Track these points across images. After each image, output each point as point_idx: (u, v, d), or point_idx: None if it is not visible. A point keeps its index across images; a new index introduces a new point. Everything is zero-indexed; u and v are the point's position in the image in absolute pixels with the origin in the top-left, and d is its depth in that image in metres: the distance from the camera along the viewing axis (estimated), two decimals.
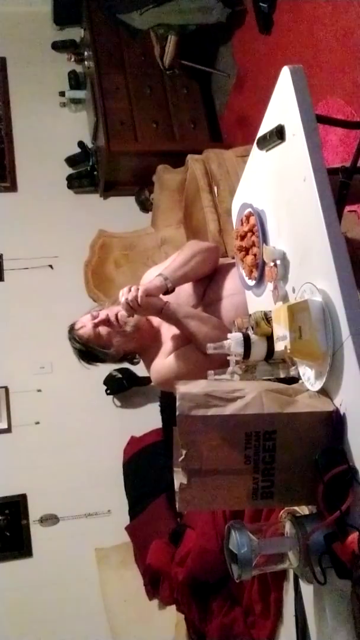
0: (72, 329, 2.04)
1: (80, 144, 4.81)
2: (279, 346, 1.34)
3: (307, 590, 1.35)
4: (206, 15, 4.11)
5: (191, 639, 3.09)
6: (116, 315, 1.97)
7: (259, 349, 1.58)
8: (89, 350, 2.01)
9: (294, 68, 1.45)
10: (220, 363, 1.69)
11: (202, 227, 3.60)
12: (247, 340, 1.58)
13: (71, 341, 2.04)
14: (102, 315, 2.00)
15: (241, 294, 1.90)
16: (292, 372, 1.46)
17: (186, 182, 3.88)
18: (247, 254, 1.77)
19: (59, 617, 3.58)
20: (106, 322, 1.99)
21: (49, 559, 3.74)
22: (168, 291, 1.91)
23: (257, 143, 1.65)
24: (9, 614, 3.56)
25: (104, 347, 1.99)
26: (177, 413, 1.23)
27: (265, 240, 1.66)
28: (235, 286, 1.95)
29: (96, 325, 1.98)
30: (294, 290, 1.47)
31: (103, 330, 1.98)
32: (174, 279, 1.92)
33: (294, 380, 1.43)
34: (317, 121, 1.42)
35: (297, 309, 1.27)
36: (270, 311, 1.50)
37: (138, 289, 1.85)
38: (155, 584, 3.23)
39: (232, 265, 1.99)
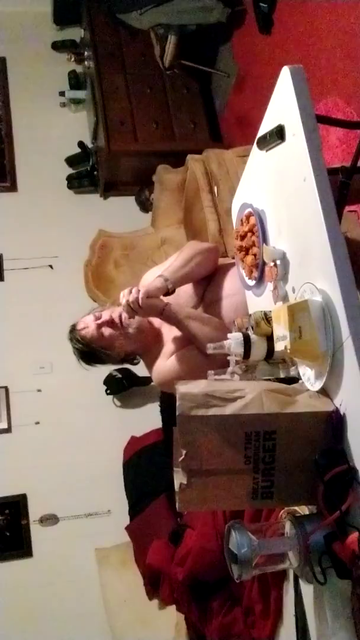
0: (73, 329, 2.03)
1: (80, 144, 4.80)
2: (279, 346, 1.34)
3: (307, 590, 1.35)
4: (206, 15, 4.11)
5: (191, 639, 3.09)
6: (120, 317, 1.96)
7: (259, 349, 1.58)
8: (91, 351, 2.00)
9: (294, 68, 1.45)
10: (221, 363, 1.69)
11: (202, 227, 3.60)
12: (247, 340, 1.58)
13: (72, 341, 2.02)
14: (106, 316, 1.98)
15: (241, 294, 1.90)
16: (292, 372, 1.46)
17: (186, 182, 3.88)
18: (247, 254, 1.77)
19: (59, 617, 3.57)
20: (110, 323, 1.97)
21: (49, 559, 3.74)
22: (169, 292, 1.91)
23: (257, 143, 1.65)
24: (9, 614, 3.56)
25: (106, 348, 1.99)
26: (177, 413, 1.23)
27: (265, 240, 1.66)
28: (235, 286, 1.94)
29: (99, 326, 1.97)
30: (294, 290, 1.47)
31: (106, 331, 1.97)
32: (174, 279, 1.92)
33: (294, 380, 1.43)
34: (317, 121, 1.42)
35: (297, 309, 1.27)
36: (270, 311, 1.50)
37: (139, 291, 1.85)
38: (155, 584, 3.23)
39: (232, 265, 1.99)
